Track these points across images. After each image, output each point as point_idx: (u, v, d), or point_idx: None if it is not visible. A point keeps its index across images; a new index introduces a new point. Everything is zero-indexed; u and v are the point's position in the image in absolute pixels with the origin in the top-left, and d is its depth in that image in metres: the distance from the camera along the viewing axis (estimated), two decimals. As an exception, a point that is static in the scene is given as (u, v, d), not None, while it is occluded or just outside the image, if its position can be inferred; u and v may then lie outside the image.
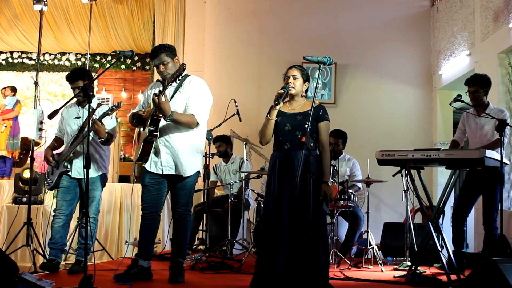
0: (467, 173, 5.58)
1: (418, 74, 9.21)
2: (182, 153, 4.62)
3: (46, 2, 6.96)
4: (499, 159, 4.84)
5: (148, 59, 11.19)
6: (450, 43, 8.36)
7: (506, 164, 5.29)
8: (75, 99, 5.42)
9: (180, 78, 4.53)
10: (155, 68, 4.76)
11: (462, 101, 5.38)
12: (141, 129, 4.73)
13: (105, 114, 4.99)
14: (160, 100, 4.34)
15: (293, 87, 4.41)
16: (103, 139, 5.05)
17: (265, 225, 4.38)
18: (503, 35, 6.59)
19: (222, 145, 7.26)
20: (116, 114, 5.48)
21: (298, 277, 4.11)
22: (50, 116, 4.24)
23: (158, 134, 4.55)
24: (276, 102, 4.27)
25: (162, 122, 4.54)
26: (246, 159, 7.22)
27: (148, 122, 4.54)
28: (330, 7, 9.30)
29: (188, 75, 4.76)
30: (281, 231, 4.21)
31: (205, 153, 6.55)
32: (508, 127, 5.17)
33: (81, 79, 5.18)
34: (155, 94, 4.37)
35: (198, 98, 4.65)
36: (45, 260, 5.33)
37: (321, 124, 4.41)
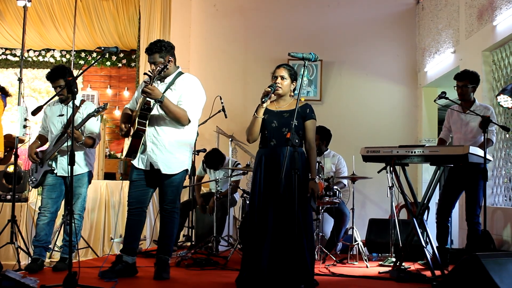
0: (450, 169, 5.61)
1: (403, 71, 9.26)
2: (170, 150, 4.61)
3: (30, -2, 6.88)
4: (483, 155, 4.87)
5: (134, 56, 11.13)
6: (435, 40, 8.41)
7: (490, 160, 5.32)
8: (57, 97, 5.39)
9: (166, 70, 4.53)
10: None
11: (447, 98, 5.40)
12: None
13: (90, 116, 4.96)
14: (149, 86, 4.35)
15: (280, 87, 4.41)
16: (81, 143, 5.04)
17: (251, 221, 4.38)
18: (487, 32, 6.64)
19: None
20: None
21: (284, 273, 4.11)
22: (34, 113, 4.21)
23: (146, 128, 4.54)
24: (263, 100, 4.27)
25: (152, 115, 4.53)
26: (239, 163, 7.22)
27: (137, 116, 4.53)
28: (316, 4, 9.31)
29: (182, 73, 4.76)
30: (267, 228, 4.21)
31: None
32: (492, 124, 5.21)
33: (62, 77, 5.16)
34: (144, 81, 4.38)
35: (190, 95, 4.64)
36: (29, 260, 5.29)
37: (308, 123, 4.42)
